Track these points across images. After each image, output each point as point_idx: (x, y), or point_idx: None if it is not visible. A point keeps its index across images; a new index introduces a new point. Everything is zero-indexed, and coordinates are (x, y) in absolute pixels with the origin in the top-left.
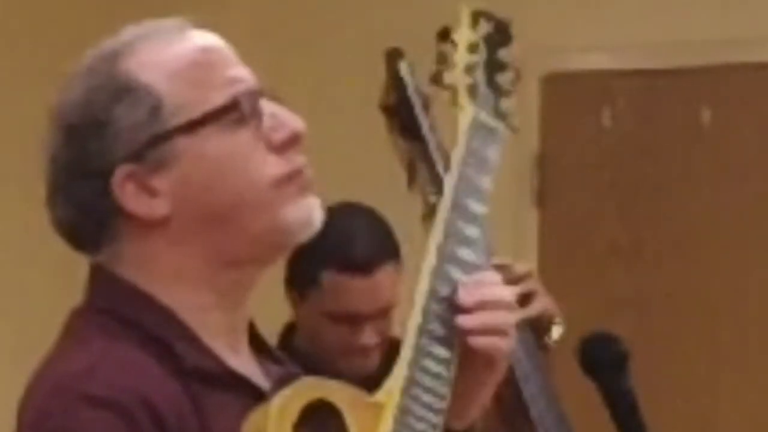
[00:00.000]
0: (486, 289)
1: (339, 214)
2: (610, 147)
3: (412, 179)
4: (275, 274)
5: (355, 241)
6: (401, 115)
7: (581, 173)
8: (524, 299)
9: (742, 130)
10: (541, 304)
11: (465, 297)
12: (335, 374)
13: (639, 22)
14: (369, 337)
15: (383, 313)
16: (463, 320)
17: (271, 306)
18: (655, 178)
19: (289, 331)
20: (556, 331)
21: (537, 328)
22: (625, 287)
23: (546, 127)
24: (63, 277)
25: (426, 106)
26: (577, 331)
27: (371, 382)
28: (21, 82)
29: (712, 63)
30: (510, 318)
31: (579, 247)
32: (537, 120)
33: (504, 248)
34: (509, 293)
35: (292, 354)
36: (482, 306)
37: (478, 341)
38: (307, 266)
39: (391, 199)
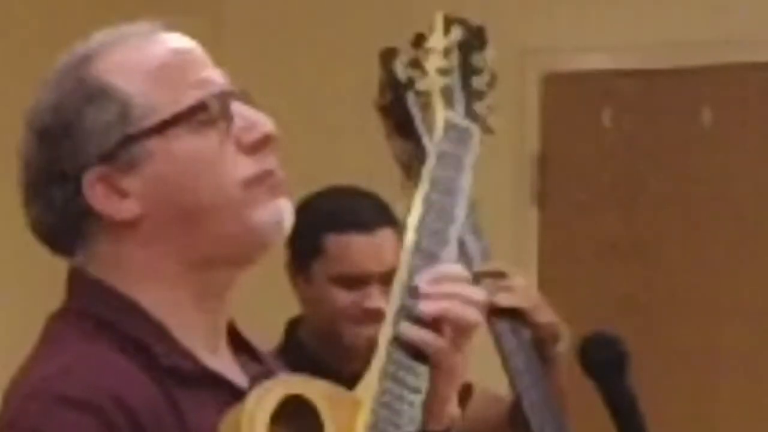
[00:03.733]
0: (441, 285)
1: (331, 190)
2: (610, 147)
3: (408, 179)
4: (270, 274)
5: (353, 205)
6: (397, 115)
7: (581, 173)
8: (529, 313)
9: (742, 130)
10: (548, 315)
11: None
12: (342, 358)
13: (639, 22)
14: (378, 299)
15: (389, 279)
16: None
17: (269, 306)
18: (655, 178)
19: (293, 326)
20: (563, 344)
21: (542, 339)
22: (626, 287)
23: (546, 127)
24: (48, 280)
25: (421, 106)
26: (577, 331)
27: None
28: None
29: (712, 63)
30: (464, 313)
31: (579, 247)
32: (537, 120)
33: (504, 248)
34: (465, 289)
35: (299, 347)
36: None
37: (425, 305)
38: (307, 237)
39: (387, 199)
